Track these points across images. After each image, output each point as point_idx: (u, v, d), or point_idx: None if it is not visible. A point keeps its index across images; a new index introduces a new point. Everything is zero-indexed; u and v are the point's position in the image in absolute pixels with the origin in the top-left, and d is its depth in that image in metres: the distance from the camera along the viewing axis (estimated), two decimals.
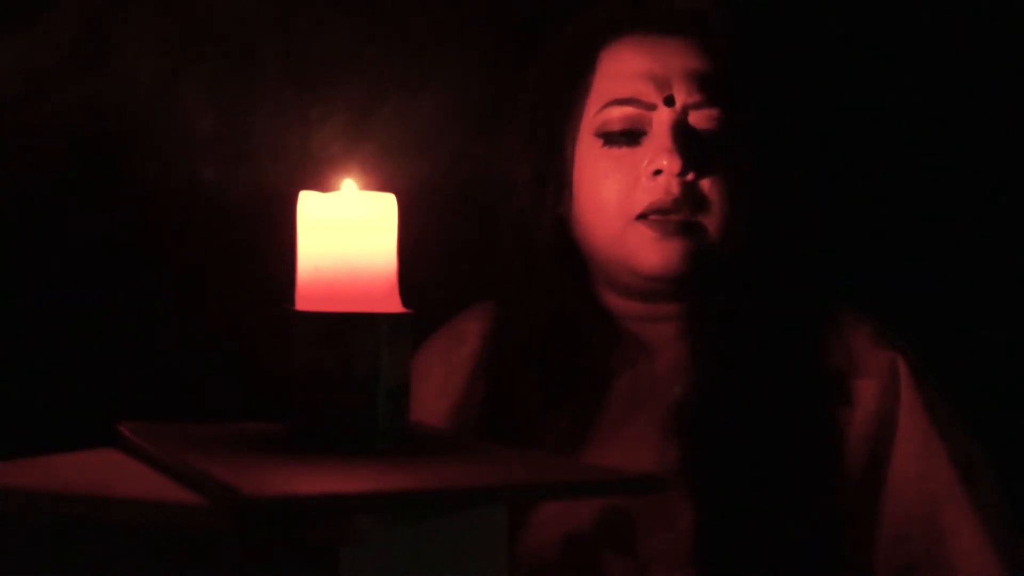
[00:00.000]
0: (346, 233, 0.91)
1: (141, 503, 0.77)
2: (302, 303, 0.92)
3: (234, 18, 1.65)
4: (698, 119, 1.23)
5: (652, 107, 1.23)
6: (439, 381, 1.35)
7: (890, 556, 1.20)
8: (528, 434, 1.25)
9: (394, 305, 0.92)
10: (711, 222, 1.22)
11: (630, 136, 1.24)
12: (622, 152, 1.24)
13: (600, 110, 1.25)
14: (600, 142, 1.25)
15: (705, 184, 1.22)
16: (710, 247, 1.22)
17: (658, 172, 1.21)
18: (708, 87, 1.23)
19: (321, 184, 0.95)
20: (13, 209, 1.63)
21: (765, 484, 1.18)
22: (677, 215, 1.21)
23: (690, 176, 1.21)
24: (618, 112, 1.24)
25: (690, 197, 1.21)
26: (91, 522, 0.77)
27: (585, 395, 1.27)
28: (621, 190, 1.23)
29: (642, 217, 1.22)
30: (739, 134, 1.23)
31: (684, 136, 1.21)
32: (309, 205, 0.92)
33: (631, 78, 1.24)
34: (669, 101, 1.23)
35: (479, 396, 1.31)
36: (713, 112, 1.23)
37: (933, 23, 1.55)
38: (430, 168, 1.59)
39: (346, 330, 0.89)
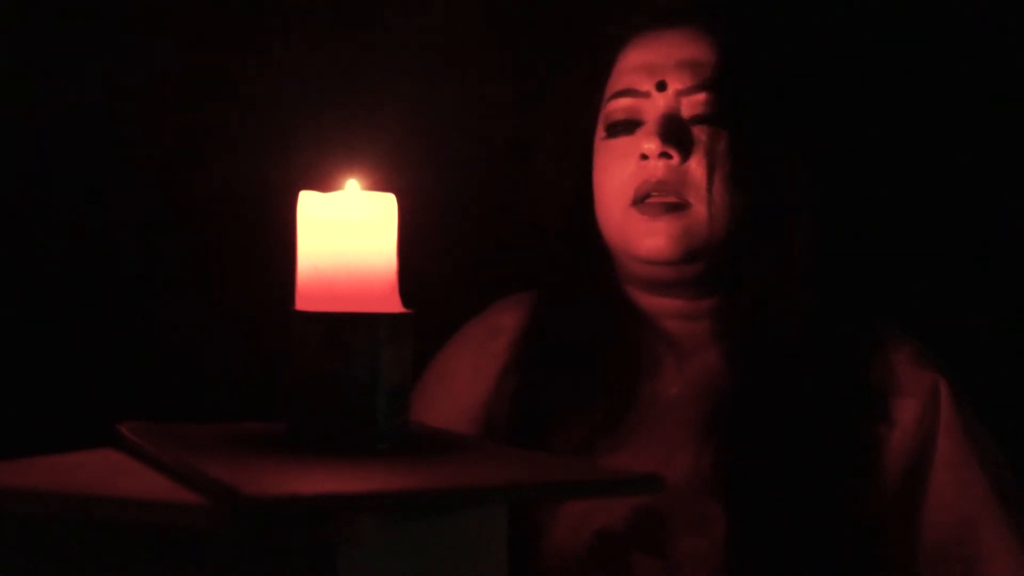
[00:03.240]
0: (346, 233, 0.91)
1: (141, 503, 0.77)
2: (302, 303, 0.92)
3: (235, 18, 1.65)
4: (691, 104, 1.24)
5: (647, 95, 1.26)
6: (470, 373, 1.35)
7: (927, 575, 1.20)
8: (556, 434, 1.25)
9: (394, 305, 0.92)
10: (698, 202, 1.22)
11: (628, 126, 1.26)
12: (621, 142, 1.26)
13: (606, 105, 1.29)
14: (606, 138, 1.28)
15: (692, 166, 1.23)
16: (698, 227, 1.22)
17: (644, 157, 1.23)
18: (701, 73, 1.24)
19: (322, 184, 0.95)
20: (13, 209, 1.63)
21: (800, 495, 1.18)
22: (662, 197, 1.22)
23: (675, 159, 1.22)
24: (618, 104, 1.27)
25: (675, 179, 1.22)
26: (91, 522, 0.77)
27: (617, 395, 1.27)
28: (618, 179, 1.25)
29: (636, 203, 1.24)
30: (729, 117, 1.24)
31: (669, 120, 1.23)
32: (309, 205, 0.92)
33: (630, 71, 1.27)
34: (661, 86, 1.25)
35: (511, 391, 1.31)
36: (704, 97, 1.24)
37: (932, 11, 1.55)
38: (430, 168, 1.59)
39: (346, 330, 0.89)
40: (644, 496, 1.20)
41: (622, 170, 1.25)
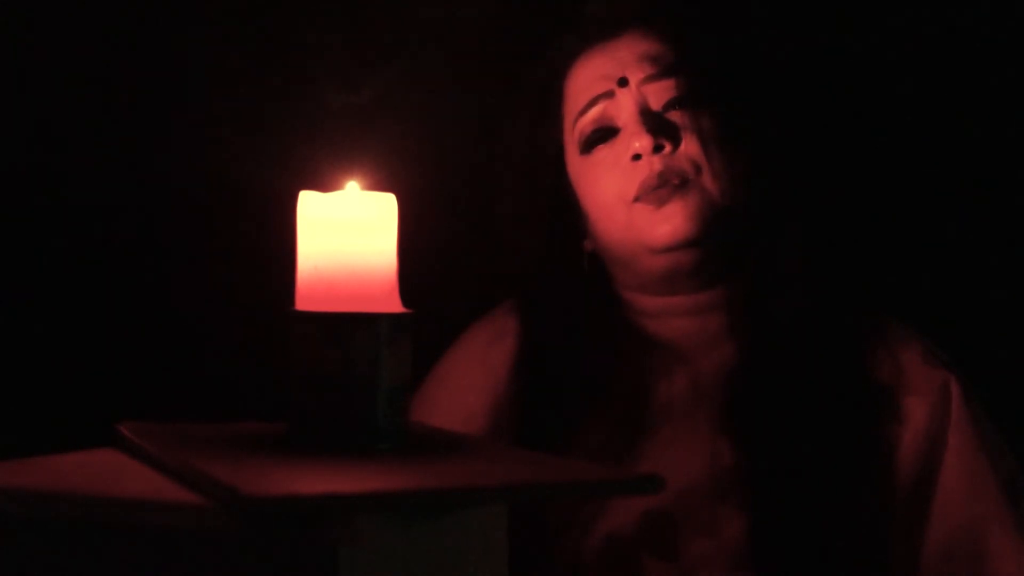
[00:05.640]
0: (346, 233, 0.91)
1: (141, 503, 0.77)
2: (302, 303, 0.92)
3: (235, 18, 1.65)
4: (657, 92, 1.26)
5: (611, 95, 1.26)
6: (475, 380, 1.35)
7: (935, 574, 1.20)
8: (568, 440, 1.25)
9: (394, 305, 0.92)
10: (703, 179, 1.23)
11: (604, 135, 1.27)
12: (602, 153, 1.27)
13: (573, 129, 1.29)
14: (584, 156, 1.28)
15: (685, 149, 1.24)
16: (709, 199, 1.23)
17: (637, 157, 1.24)
18: (659, 62, 1.26)
19: (322, 184, 0.95)
20: (13, 209, 1.63)
21: (813, 496, 1.18)
22: (667, 186, 1.23)
23: (667, 148, 1.23)
24: (587, 117, 1.28)
25: (674, 165, 1.23)
26: (91, 522, 0.77)
27: (626, 403, 1.27)
28: (614, 186, 1.25)
29: (639, 200, 1.24)
30: (700, 95, 1.25)
31: (648, 114, 1.25)
32: (309, 205, 0.92)
33: (587, 85, 1.28)
34: (622, 82, 1.26)
35: (518, 400, 1.31)
36: (670, 83, 1.25)
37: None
38: (430, 168, 1.59)
39: (346, 330, 0.89)
40: (655, 499, 1.19)
41: (615, 177, 1.25)
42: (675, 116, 1.25)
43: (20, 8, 1.63)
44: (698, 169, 1.23)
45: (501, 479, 0.84)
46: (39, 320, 1.62)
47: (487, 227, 1.44)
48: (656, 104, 1.25)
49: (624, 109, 1.25)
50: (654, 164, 1.23)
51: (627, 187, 1.24)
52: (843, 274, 1.29)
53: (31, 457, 0.88)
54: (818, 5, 1.54)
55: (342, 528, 0.73)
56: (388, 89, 1.60)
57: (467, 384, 1.35)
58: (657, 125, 1.23)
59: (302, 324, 0.90)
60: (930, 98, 1.54)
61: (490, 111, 1.52)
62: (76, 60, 1.63)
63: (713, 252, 1.25)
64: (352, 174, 0.96)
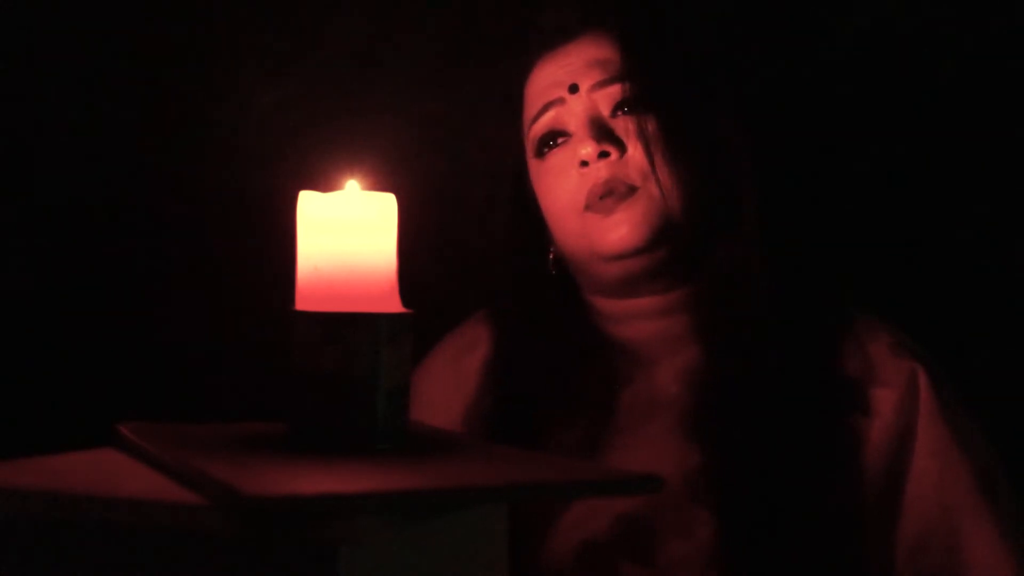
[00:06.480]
0: (346, 233, 0.91)
1: (141, 503, 0.77)
2: (302, 303, 0.91)
3: (236, 18, 1.65)
4: (607, 98, 1.26)
5: (562, 101, 1.28)
6: (449, 387, 1.36)
7: (909, 566, 1.20)
8: (538, 447, 1.25)
9: (394, 305, 0.92)
10: (648, 184, 1.23)
11: (555, 138, 1.28)
12: (554, 158, 1.28)
13: (529, 131, 1.31)
14: (539, 160, 1.30)
15: (631, 155, 1.24)
16: (654, 207, 1.23)
17: (585, 164, 1.25)
18: (608, 68, 1.26)
19: (322, 184, 0.95)
20: (13, 210, 1.63)
21: (783, 493, 1.18)
22: (614, 195, 1.23)
23: (614, 155, 1.24)
24: (540, 123, 1.29)
25: (621, 173, 1.24)
26: (91, 522, 0.77)
27: (595, 407, 1.27)
28: (565, 192, 1.27)
29: (589, 207, 1.25)
30: (649, 99, 1.25)
31: (595, 121, 1.26)
32: (309, 205, 0.92)
33: (541, 91, 1.30)
34: (572, 89, 1.27)
35: (488, 406, 1.32)
36: (618, 88, 1.26)
37: None
38: (431, 168, 1.60)
39: (346, 330, 0.89)
40: (628, 503, 1.20)
41: (566, 183, 1.27)
42: (623, 121, 1.25)
43: (20, 8, 1.63)
44: (643, 174, 1.23)
45: (501, 479, 0.84)
46: (39, 320, 1.62)
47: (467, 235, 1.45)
48: (606, 109, 1.26)
49: (575, 115, 1.27)
50: (600, 171, 1.24)
51: (577, 195, 1.25)
52: (807, 270, 1.29)
53: (31, 457, 0.88)
54: (765, 7, 1.55)
55: (342, 528, 0.73)
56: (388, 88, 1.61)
57: (440, 395, 1.36)
58: (603, 132, 1.25)
59: (302, 324, 0.90)
60: (879, 91, 1.54)
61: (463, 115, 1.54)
62: (76, 60, 1.64)
63: (668, 256, 1.25)
64: (352, 174, 0.96)
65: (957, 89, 1.53)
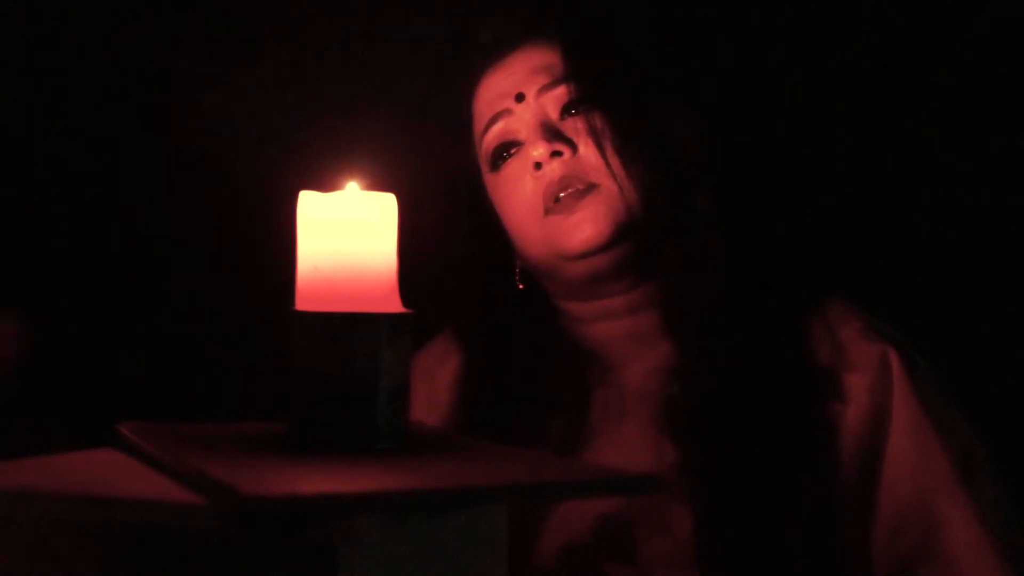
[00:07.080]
0: (346, 233, 0.91)
1: (141, 503, 0.77)
2: (302, 303, 0.92)
3: (236, 18, 1.65)
4: (553, 100, 1.27)
5: (510, 112, 1.29)
6: (423, 400, 1.35)
7: (887, 549, 1.20)
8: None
9: (394, 305, 0.92)
10: (605, 179, 1.24)
11: (508, 148, 1.29)
12: (508, 168, 1.29)
13: (480, 144, 1.32)
14: (494, 173, 1.31)
15: (584, 153, 1.25)
16: (614, 201, 1.24)
17: (538, 166, 1.25)
18: (552, 72, 1.27)
19: (322, 184, 0.95)
20: (14, 210, 1.63)
21: (761, 483, 1.18)
22: (571, 189, 1.24)
23: (566, 153, 1.25)
24: (490, 134, 1.30)
25: (575, 171, 1.25)
26: (91, 522, 0.77)
27: (569, 410, 1.28)
28: (522, 198, 1.27)
29: (548, 211, 1.25)
30: (594, 95, 1.26)
31: (544, 124, 1.26)
32: (309, 205, 0.92)
33: (488, 103, 1.31)
34: (519, 98, 1.28)
35: (462, 418, 1.32)
36: (564, 88, 1.27)
37: None
38: (430, 168, 1.59)
39: (346, 330, 0.89)
40: (609, 502, 1.20)
41: (522, 189, 1.27)
42: (572, 122, 1.26)
43: (20, 6, 1.63)
44: (597, 170, 1.24)
45: (501, 479, 0.84)
46: (39, 320, 1.62)
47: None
48: (554, 113, 1.27)
49: (524, 123, 1.28)
50: (555, 171, 1.25)
51: (535, 198, 1.26)
52: (772, 259, 1.30)
53: (31, 457, 0.88)
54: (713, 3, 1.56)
55: (342, 528, 0.73)
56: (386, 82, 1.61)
57: (415, 412, 1.36)
58: (553, 133, 1.26)
59: (302, 324, 0.90)
60: (832, 78, 1.55)
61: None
62: (76, 61, 1.63)
63: (632, 252, 1.25)
64: (352, 174, 0.96)
65: (911, 78, 1.53)
